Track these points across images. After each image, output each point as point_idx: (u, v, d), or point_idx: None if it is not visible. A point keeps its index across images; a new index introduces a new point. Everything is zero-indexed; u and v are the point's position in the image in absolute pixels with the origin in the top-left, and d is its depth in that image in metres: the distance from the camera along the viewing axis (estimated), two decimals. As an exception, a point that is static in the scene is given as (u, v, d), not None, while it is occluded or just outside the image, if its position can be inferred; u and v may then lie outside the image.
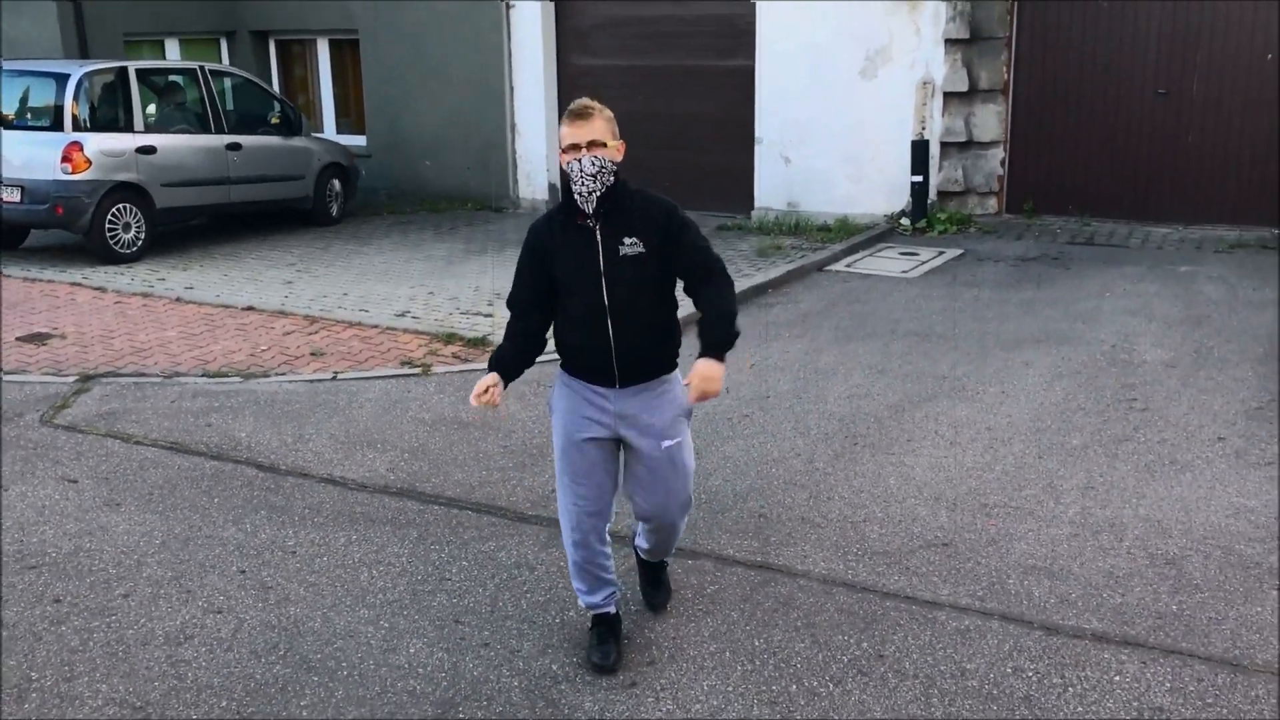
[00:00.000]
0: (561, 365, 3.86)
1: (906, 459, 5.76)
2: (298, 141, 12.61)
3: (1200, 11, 11.19)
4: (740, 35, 12.79)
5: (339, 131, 15.54)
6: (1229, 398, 6.54)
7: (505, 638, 4.16)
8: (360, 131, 15.36)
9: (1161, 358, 7.32)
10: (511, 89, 14.08)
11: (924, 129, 12.09)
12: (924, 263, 10.46)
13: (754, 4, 12.55)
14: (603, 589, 3.96)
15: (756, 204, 12.93)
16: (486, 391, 3.63)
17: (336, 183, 13.17)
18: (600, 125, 3.58)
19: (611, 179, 3.60)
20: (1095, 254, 10.66)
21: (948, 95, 12.02)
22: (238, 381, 7.23)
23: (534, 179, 14.31)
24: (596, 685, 3.83)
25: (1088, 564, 4.61)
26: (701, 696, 3.76)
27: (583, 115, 3.59)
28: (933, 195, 12.16)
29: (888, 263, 10.56)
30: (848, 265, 10.54)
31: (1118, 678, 3.81)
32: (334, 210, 13.17)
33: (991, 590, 4.42)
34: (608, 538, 3.93)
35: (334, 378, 7.31)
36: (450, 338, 8.10)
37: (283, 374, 7.39)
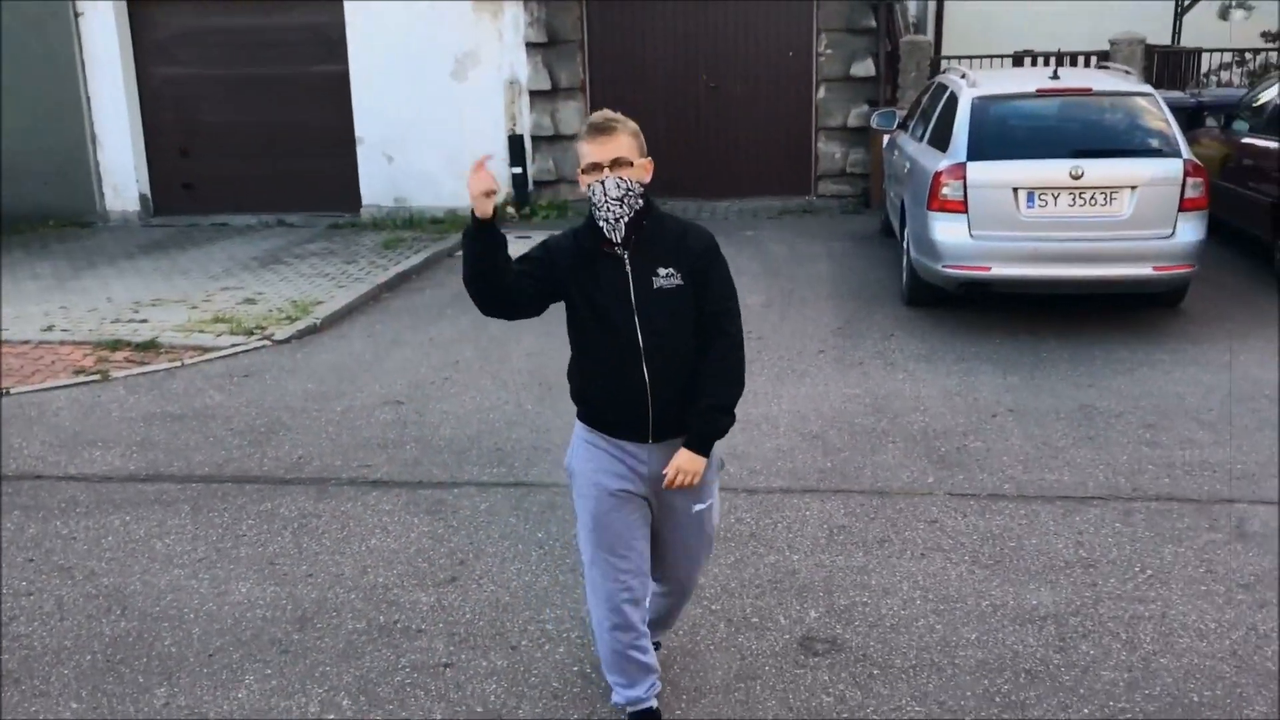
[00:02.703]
0: (581, 418, 3.44)
1: (593, 395, 6.86)
2: None
3: (736, 13, 13.24)
4: (331, 43, 13.31)
5: (-123, 153, 14.13)
6: (817, 324, 8.26)
7: (324, 568, 4.75)
8: (-95, 152, 14.06)
9: (759, 301, 8.97)
10: (89, 100, 13.61)
11: (515, 125, 13.31)
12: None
13: (342, 13, 13.11)
14: (645, 678, 3.48)
15: (365, 202, 13.53)
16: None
17: (-98, 207, 12.15)
18: (625, 141, 3.16)
19: (639, 202, 3.19)
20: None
21: (533, 94, 13.30)
22: (-102, 408, 6.94)
23: (122, 191, 13.93)
24: (425, 582, 4.56)
25: (759, 446, 5.94)
26: (515, 578, 4.61)
27: (604, 130, 3.16)
28: (531, 185, 13.40)
29: (510, 245, 11.59)
30: (470, 251, 11.47)
31: (807, 513, 5.12)
32: (-99, 237, 12.15)
33: (698, 474, 5.62)
34: (647, 611, 3.53)
35: (8, 393, 7.20)
36: (116, 344, 8.13)
37: (-54, 396, 7.17)
